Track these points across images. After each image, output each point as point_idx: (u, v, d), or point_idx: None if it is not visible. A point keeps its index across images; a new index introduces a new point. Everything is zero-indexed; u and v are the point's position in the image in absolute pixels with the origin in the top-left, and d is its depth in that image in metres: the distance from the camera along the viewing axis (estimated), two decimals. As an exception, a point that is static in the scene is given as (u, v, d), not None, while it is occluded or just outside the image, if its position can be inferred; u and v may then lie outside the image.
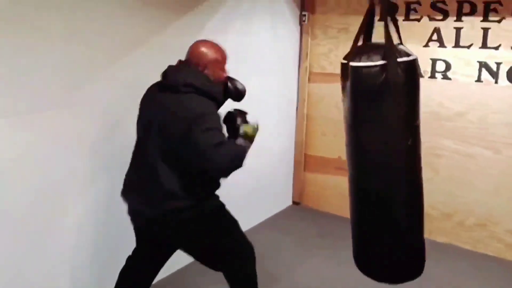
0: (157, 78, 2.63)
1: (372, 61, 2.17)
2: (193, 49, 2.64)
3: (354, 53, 2.28)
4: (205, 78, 2.57)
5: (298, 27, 4.93)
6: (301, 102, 5.09)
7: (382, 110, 2.21)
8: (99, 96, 3.01)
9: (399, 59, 2.15)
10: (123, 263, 2.89)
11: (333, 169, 4.96)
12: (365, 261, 2.59)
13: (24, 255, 2.81)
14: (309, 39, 4.93)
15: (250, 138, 2.61)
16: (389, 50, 2.17)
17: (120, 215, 3.08)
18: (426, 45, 4.25)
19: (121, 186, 2.73)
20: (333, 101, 4.82)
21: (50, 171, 2.84)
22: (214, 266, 2.79)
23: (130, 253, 2.89)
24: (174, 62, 2.65)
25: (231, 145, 2.51)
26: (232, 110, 2.70)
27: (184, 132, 2.40)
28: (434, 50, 4.24)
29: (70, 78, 2.83)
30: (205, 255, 2.75)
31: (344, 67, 2.34)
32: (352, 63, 2.24)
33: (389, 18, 2.24)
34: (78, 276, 3.15)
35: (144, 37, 3.23)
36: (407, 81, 2.20)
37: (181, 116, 2.43)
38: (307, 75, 5.00)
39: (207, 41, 2.68)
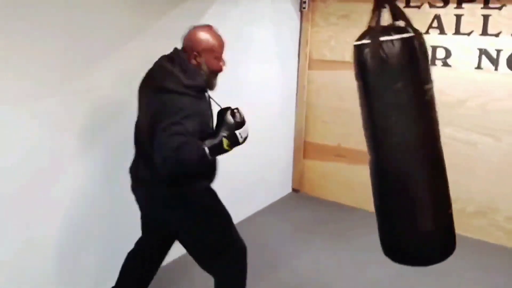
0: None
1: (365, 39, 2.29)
2: (189, 36, 2.54)
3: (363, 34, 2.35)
4: (186, 75, 2.46)
5: (299, 14, 4.90)
6: (301, 89, 5.06)
7: (380, 90, 2.29)
8: (97, 84, 2.99)
9: (381, 38, 2.22)
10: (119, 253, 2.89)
11: (332, 156, 4.95)
12: (392, 244, 2.53)
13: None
14: (309, 26, 4.90)
15: (224, 149, 2.46)
16: (373, 31, 2.27)
17: (114, 208, 3.14)
18: (427, 32, 4.22)
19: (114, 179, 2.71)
20: (333, 88, 4.83)
21: (39, 162, 2.81)
22: (200, 262, 2.74)
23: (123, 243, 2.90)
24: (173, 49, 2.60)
25: (187, 150, 2.32)
26: (230, 111, 2.54)
27: (153, 123, 2.38)
28: (434, 37, 4.21)
29: (69, 65, 2.82)
30: (192, 248, 2.71)
31: (357, 47, 2.37)
32: (354, 43, 2.34)
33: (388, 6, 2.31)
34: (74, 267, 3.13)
35: (143, 23, 3.21)
36: (399, 59, 2.23)
37: (157, 110, 2.39)
38: (307, 62, 4.97)
39: (204, 27, 2.57)
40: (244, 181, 4.37)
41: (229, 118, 2.49)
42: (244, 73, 4.13)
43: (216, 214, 2.69)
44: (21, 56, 2.57)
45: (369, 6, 2.36)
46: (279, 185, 5.14)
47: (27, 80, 2.62)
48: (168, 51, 2.59)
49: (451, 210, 2.47)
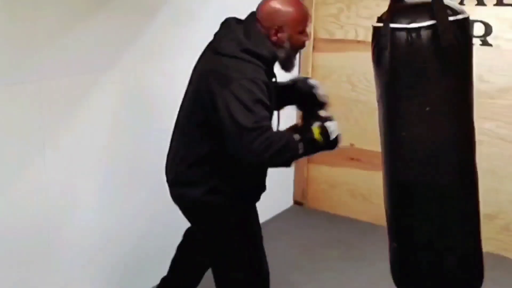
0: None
1: (417, 22, 1.93)
2: (266, 7, 2.25)
3: (392, 13, 2.00)
4: (250, 41, 2.19)
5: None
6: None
7: (430, 85, 1.98)
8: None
9: (451, 18, 1.90)
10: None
11: (344, 160, 4.35)
12: (407, 274, 2.25)
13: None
14: (312, -4, 4.28)
15: (313, 142, 2.21)
16: (439, 6, 1.91)
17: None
18: (461, 3, 3.59)
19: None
20: (344, 75, 4.28)
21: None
22: (215, 280, 2.54)
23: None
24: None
25: (275, 134, 2.12)
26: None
27: (212, 97, 2.12)
28: (471, 9, 3.52)
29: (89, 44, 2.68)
30: (212, 268, 2.56)
31: (378, 31, 2.04)
32: (393, 25, 1.96)
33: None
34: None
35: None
36: (461, 46, 1.94)
37: (213, 76, 2.15)
38: (311, 42, 4.32)
39: None
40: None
41: (315, 106, 2.44)
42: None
43: (242, 247, 2.50)
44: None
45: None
46: (277, 197, 4.45)
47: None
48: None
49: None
